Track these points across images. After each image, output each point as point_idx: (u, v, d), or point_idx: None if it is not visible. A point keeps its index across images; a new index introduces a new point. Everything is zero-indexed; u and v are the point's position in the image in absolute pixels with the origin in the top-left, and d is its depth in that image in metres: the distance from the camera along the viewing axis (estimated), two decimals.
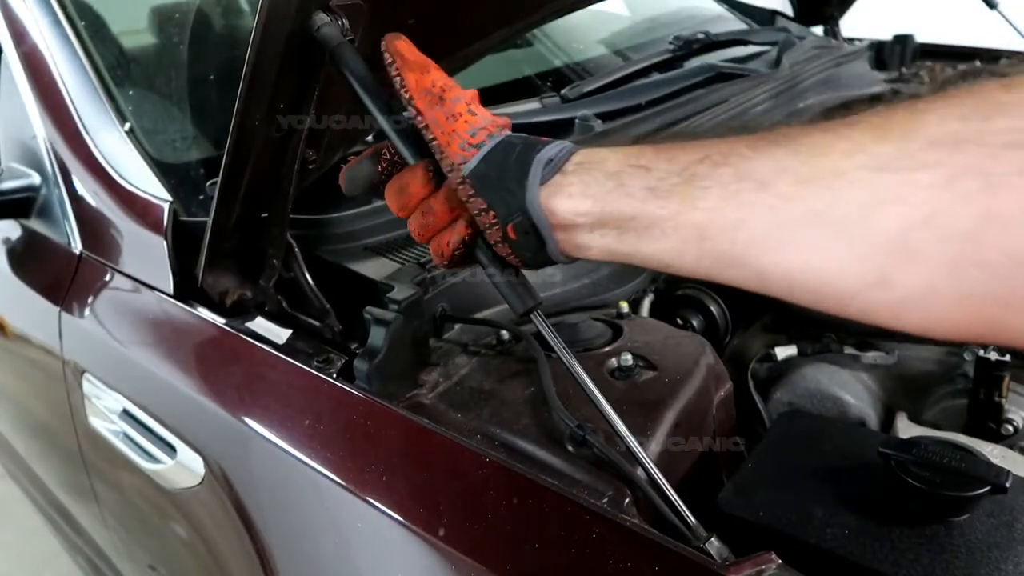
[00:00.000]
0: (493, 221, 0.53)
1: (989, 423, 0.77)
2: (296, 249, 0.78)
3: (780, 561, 0.46)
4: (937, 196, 0.36)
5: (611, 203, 0.48)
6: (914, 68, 1.74)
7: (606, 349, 0.71)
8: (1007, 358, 0.76)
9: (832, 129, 0.41)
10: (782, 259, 0.41)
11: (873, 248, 0.38)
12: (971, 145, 0.35)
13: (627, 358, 0.68)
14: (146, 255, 0.87)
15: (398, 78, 0.56)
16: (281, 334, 0.75)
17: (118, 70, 1.05)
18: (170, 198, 0.87)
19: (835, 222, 0.39)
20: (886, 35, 1.80)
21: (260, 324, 0.77)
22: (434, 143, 0.55)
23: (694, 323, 0.95)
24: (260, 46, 0.60)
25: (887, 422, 0.82)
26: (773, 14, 1.86)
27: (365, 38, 0.66)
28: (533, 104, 1.17)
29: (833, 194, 0.39)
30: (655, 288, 0.96)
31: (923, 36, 1.79)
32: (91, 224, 0.98)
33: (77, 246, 1.00)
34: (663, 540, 0.48)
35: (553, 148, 0.53)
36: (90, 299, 0.95)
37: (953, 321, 0.37)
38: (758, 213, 0.42)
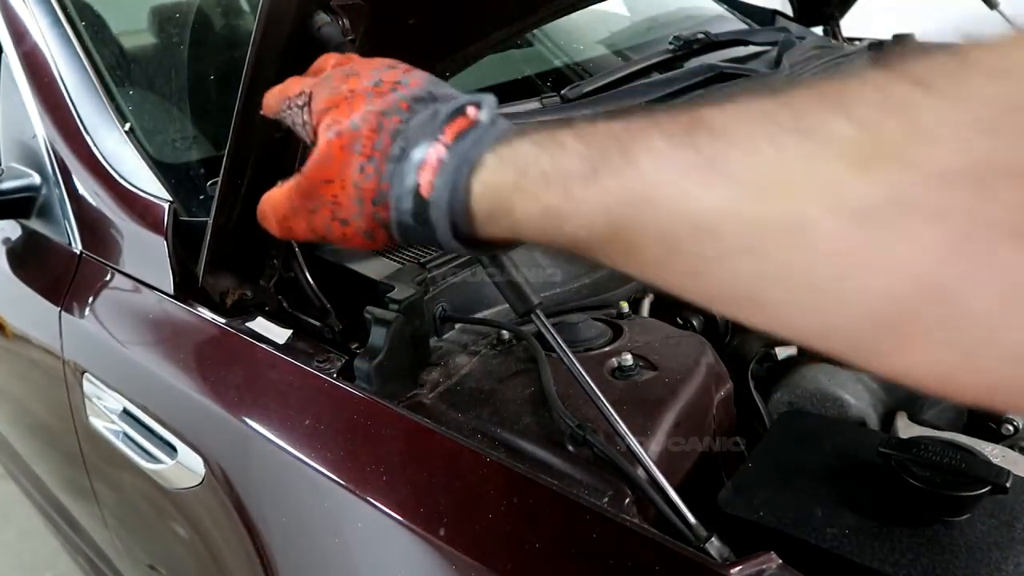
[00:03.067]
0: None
1: (989, 423, 0.76)
2: (296, 249, 0.78)
3: (780, 561, 0.46)
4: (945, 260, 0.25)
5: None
6: None
7: (606, 349, 0.71)
8: None
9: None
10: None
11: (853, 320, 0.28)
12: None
13: (627, 358, 0.68)
14: (146, 255, 0.87)
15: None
16: (281, 334, 0.75)
17: (118, 70, 1.05)
18: (170, 198, 0.87)
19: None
20: (886, 35, 1.80)
21: (260, 324, 0.77)
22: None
23: (694, 323, 0.95)
24: (260, 46, 0.60)
25: (887, 422, 0.82)
26: (773, 14, 1.86)
27: (365, 38, 0.66)
28: (533, 104, 1.17)
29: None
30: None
31: (923, 36, 1.80)
32: (91, 224, 0.98)
33: (77, 246, 1.00)
34: (663, 540, 0.48)
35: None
36: (90, 299, 0.95)
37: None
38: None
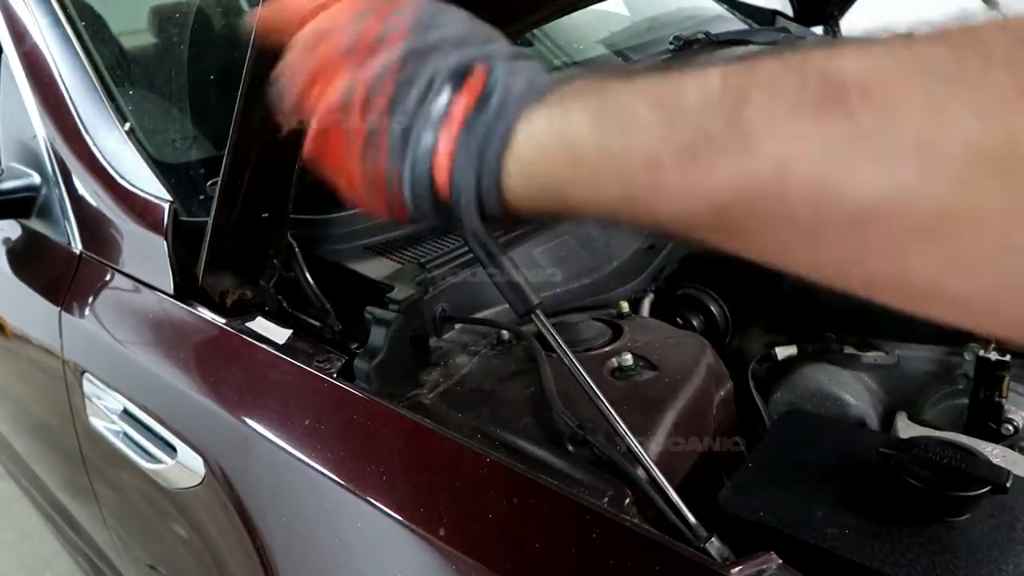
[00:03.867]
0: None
1: (989, 423, 0.77)
2: (296, 249, 0.77)
3: (780, 561, 0.46)
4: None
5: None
6: None
7: (606, 349, 0.71)
8: (1007, 358, 0.76)
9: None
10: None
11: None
12: None
13: (627, 358, 0.68)
14: (146, 255, 0.87)
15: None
16: (281, 334, 0.75)
17: (118, 70, 1.05)
18: (170, 198, 0.87)
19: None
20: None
21: (260, 324, 0.77)
22: None
23: (694, 323, 0.95)
24: (260, 46, 0.60)
25: (887, 422, 0.82)
26: (773, 14, 1.86)
27: None
28: None
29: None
30: (655, 288, 0.96)
31: None
32: (91, 224, 0.98)
33: (77, 246, 1.00)
34: (663, 540, 0.48)
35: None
36: (90, 299, 0.95)
37: None
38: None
